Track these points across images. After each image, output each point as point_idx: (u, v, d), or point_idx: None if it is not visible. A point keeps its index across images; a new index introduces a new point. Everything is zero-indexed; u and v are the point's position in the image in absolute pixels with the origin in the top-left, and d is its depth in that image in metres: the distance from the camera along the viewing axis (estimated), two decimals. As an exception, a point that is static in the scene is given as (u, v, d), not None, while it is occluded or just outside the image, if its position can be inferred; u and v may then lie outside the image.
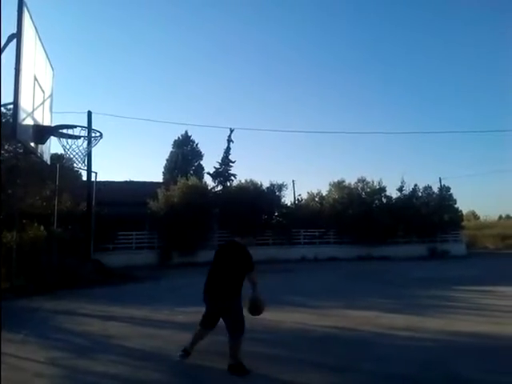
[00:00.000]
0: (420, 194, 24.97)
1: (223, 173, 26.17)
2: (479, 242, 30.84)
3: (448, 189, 26.24)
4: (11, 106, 4.44)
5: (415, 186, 25.00)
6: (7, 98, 4.44)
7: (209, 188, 23.02)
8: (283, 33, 67.11)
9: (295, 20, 66.11)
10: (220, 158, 26.63)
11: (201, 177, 26.38)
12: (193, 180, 21.15)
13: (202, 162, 36.97)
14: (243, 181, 22.99)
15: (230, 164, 26.55)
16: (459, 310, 7.93)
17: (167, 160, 37.18)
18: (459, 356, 5.02)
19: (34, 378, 4.30)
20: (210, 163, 62.54)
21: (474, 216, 48.45)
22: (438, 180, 28.10)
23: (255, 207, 20.57)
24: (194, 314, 7.61)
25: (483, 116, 62.85)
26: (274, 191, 22.59)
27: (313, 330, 6.49)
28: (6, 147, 11.45)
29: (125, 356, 5.04)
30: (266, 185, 22.57)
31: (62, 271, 11.74)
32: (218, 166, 26.50)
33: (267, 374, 4.40)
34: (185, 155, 36.47)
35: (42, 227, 12.89)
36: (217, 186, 25.37)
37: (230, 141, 26.78)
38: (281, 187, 22.85)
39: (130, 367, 4.61)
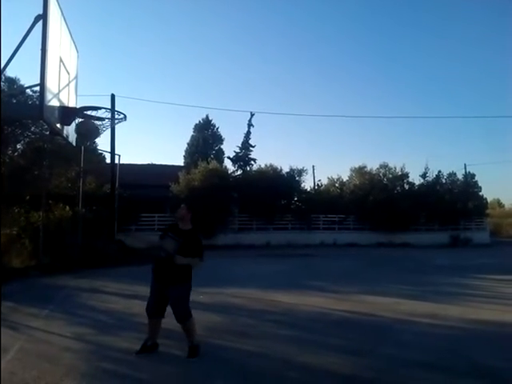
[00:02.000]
0: (444, 181, 24.47)
1: (243, 157, 26.21)
2: (504, 231, 30.17)
3: (473, 176, 25.69)
4: (37, 88, 4.51)
5: (439, 172, 24.55)
6: (33, 79, 4.51)
7: (229, 172, 23.10)
8: (304, 16, 65.85)
9: (315, 3, 64.65)
10: (240, 143, 26.66)
11: (221, 161, 26.45)
12: (213, 164, 21.26)
13: (222, 146, 37.00)
14: (263, 165, 23.03)
15: (250, 148, 26.56)
16: (481, 299, 7.81)
17: (188, 144, 37.35)
18: (480, 344, 4.96)
19: (63, 352, 4.46)
20: (230, 147, 62.48)
21: (499, 204, 47.23)
22: (463, 167, 27.52)
23: (275, 192, 20.58)
24: (214, 294, 7.77)
25: (510, 102, 60.49)
26: (293, 176, 22.51)
27: (331, 313, 6.51)
28: (33, 129, 11.70)
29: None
30: (285, 169, 22.57)
31: (86, 250, 12.07)
32: (238, 150, 26.55)
33: (286, 355, 4.45)
34: (205, 139, 36.52)
35: (67, 208, 13.22)
36: (237, 170, 25.47)
37: (250, 125, 26.76)
38: (301, 172, 22.77)
39: (152, 344, 4.72)
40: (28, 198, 12.48)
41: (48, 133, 9.81)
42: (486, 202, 26.39)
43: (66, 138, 5.54)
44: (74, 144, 6.22)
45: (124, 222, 17.65)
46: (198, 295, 8.02)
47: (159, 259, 4.36)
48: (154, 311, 4.39)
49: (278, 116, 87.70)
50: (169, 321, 5.28)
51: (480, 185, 25.12)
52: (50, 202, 12.72)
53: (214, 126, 37.94)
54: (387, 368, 4.14)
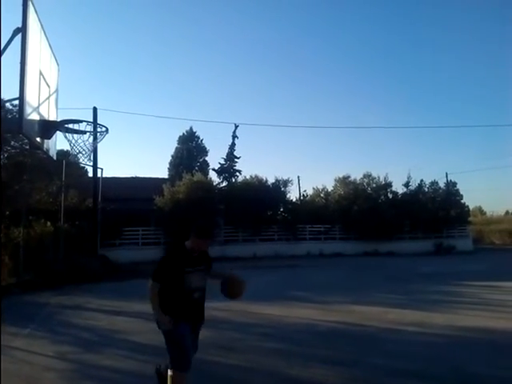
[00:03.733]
0: (426, 190, 24.81)
1: (228, 169, 26.17)
2: (486, 238, 30.66)
3: (454, 184, 26.12)
4: (17, 102, 4.45)
5: (421, 181, 24.87)
6: (13, 93, 4.44)
7: (214, 184, 23.01)
8: (287, 28, 66.86)
9: (299, 15, 65.81)
10: (225, 154, 26.64)
11: (206, 173, 26.37)
12: (198, 176, 21.17)
13: (206, 158, 37.03)
14: (248, 177, 23.03)
15: (235, 160, 26.53)
16: (466, 306, 7.89)
17: (172, 156, 37.24)
18: (466, 351, 4.99)
19: (44, 372, 4.33)
20: (215, 159, 62.64)
21: (481, 211, 48.13)
22: (445, 175, 27.99)
23: (260, 203, 20.57)
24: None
25: (489, 110, 62.26)
26: (279, 187, 22.56)
27: (318, 325, 6.48)
28: (12, 143, 11.49)
29: (132, 351, 5.06)
30: (271, 180, 22.60)
31: (68, 267, 11.80)
32: (222, 161, 26.50)
33: (274, 368, 4.40)
34: (190, 151, 36.48)
35: (48, 223, 12.95)
36: (222, 181, 25.39)
37: (234, 136, 26.77)
38: (286, 183, 22.82)
39: (137, 362, 4.62)
40: (8, 213, 12.19)
41: (28, 147, 9.65)
42: (468, 209, 26.76)
43: (46, 152, 5.46)
44: (55, 158, 6.12)
45: (107, 236, 17.38)
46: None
47: (192, 301, 3.33)
48: (190, 362, 3.28)
49: (263, 127, 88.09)
50: (154, 337, 5.15)
51: (462, 193, 25.52)
52: (31, 217, 12.45)
53: (199, 137, 37.97)
54: (375, 378, 4.12)
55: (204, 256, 3.50)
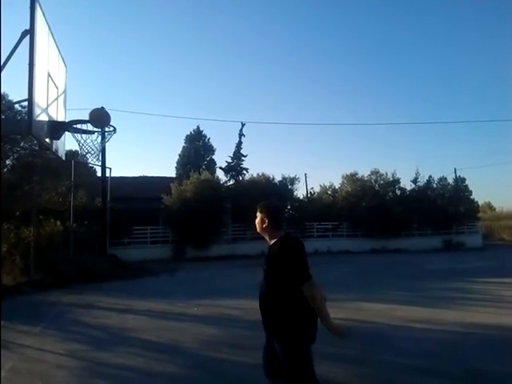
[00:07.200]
0: (435, 186, 24.62)
1: (235, 167, 26.18)
2: (495, 234, 30.34)
3: (463, 180, 25.93)
4: (26, 104, 4.50)
5: (430, 177, 24.68)
6: (22, 94, 4.49)
7: (221, 182, 23.07)
8: (295, 25, 66.60)
9: (306, 12, 65.55)
10: (232, 153, 26.66)
11: (213, 171, 26.42)
12: (205, 175, 21.23)
13: (214, 157, 37.15)
14: (255, 175, 23.04)
15: (242, 158, 26.52)
16: (476, 302, 7.82)
17: (180, 155, 37.41)
18: (477, 348, 4.95)
19: (55, 370, 4.38)
20: (222, 158, 62.81)
21: (490, 207, 47.71)
22: (453, 171, 27.78)
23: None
24: (209, 306, 7.70)
25: (498, 105, 61.41)
26: (286, 184, 22.55)
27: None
28: (22, 144, 11.61)
29: (142, 348, 5.09)
30: (278, 178, 22.59)
31: (78, 266, 11.91)
32: (229, 160, 26.51)
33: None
34: (197, 150, 36.63)
35: (58, 223, 13.08)
36: (229, 180, 25.40)
37: (241, 135, 26.75)
38: (293, 180, 22.81)
39: (147, 359, 4.66)
40: (18, 213, 12.33)
41: (37, 148, 9.75)
42: (477, 205, 26.57)
43: (55, 153, 5.51)
44: (64, 158, 6.18)
45: (116, 235, 17.51)
46: (191, 307, 8.00)
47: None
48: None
49: (269, 125, 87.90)
50: (164, 334, 5.19)
51: (470, 189, 25.34)
52: (41, 217, 12.58)
53: (206, 136, 38.09)
54: (384, 375, 4.11)
55: (273, 250, 2.75)
